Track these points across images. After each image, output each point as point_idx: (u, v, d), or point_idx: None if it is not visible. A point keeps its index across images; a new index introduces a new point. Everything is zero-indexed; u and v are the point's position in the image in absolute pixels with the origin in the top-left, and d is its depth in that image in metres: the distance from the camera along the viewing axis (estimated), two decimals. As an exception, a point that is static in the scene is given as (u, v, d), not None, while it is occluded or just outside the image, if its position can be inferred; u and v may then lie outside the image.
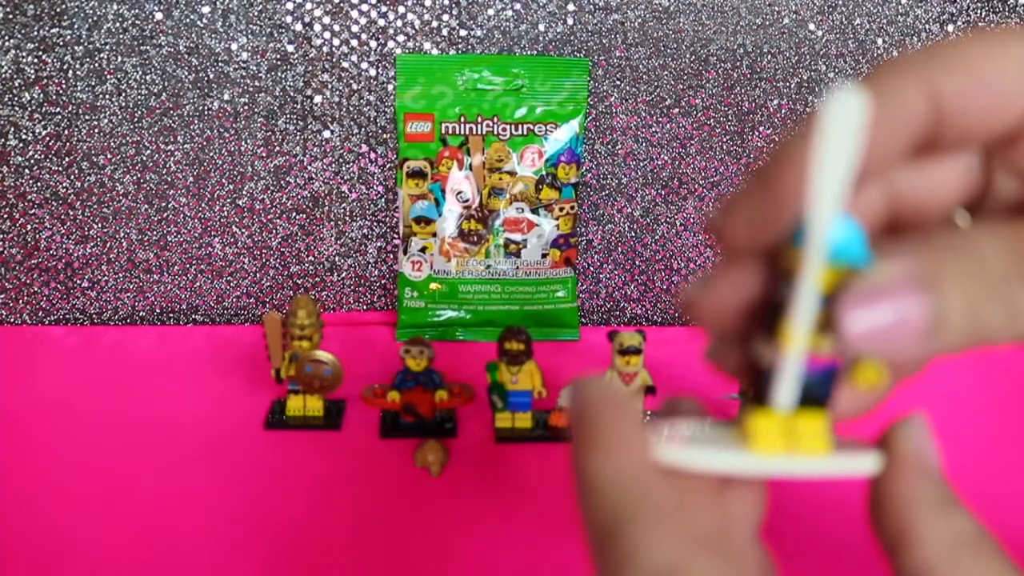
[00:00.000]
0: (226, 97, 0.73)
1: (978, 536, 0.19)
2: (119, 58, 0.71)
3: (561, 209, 0.74)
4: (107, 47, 0.71)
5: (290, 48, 0.73)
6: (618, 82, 0.75)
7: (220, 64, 0.72)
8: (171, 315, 0.78)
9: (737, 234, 0.20)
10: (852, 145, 0.17)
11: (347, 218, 0.77)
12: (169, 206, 0.75)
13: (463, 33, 0.74)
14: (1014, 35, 0.19)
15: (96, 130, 0.73)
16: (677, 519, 0.18)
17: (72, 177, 0.74)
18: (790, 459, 0.20)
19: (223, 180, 0.75)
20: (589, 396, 0.20)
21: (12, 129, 0.72)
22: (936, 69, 0.19)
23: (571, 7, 0.74)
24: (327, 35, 0.72)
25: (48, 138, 0.73)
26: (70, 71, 0.71)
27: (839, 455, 0.20)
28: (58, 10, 0.70)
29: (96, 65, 0.71)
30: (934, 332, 0.18)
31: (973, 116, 0.19)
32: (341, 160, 0.75)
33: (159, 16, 0.71)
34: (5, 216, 0.74)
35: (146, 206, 0.75)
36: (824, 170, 0.17)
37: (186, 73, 0.72)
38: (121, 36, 0.71)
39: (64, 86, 0.72)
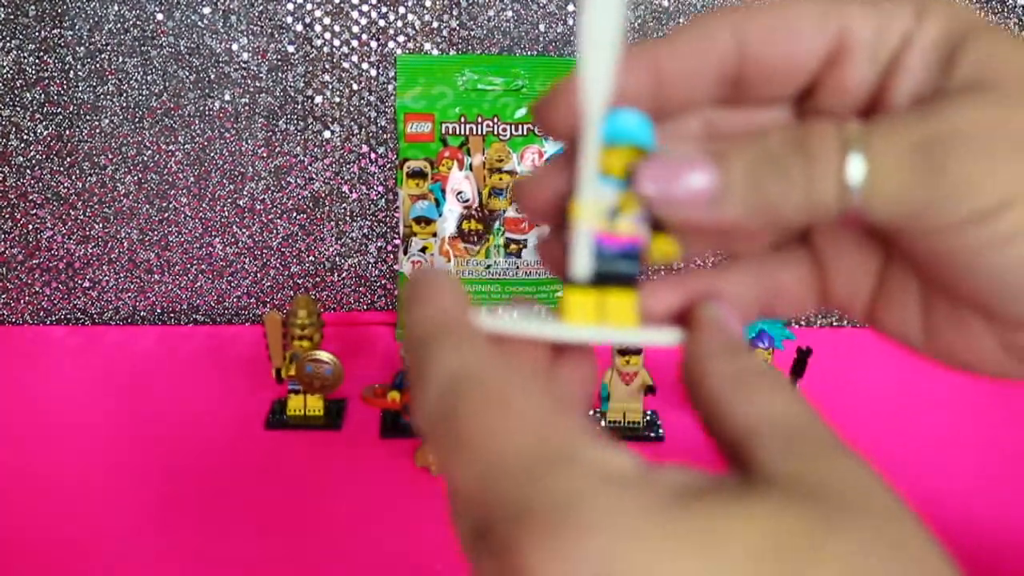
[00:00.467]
0: (227, 97, 0.73)
1: (764, 369, 0.20)
2: (120, 58, 0.72)
3: (561, 209, 0.74)
4: (108, 48, 0.71)
5: (291, 48, 0.73)
6: (618, 82, 0.75)
7: (221, 64, 0.72)
8: (172, 315, 0.78)
9: (548, 128, 0.23)
10: (614, 28, 0.19)
11: (347, 218, 0.77)
12: (170, 206, 0.75)
13: (463, 33, 0.74)
14: None
15: (97, 130, 0.73)
16: (468, 335, 0.20)
17: (73, 177, 0.74)
18: (598, 329, 0.21)
19: (224, 180, 0.75)
20: (418, 272, 0.22)
21: (14, 129, 0.72)
22: (744, 17, 0.21)
23: (571, 7, 0.74)
24: (328, 36, 0.73)
25: (49, 138, 0.73)
26: (71, 71, 0.71)
27: (646, 328, 0.22)
28: (59, 11, 0.70)
29: (97, 66, 0.72)
30: (721, 198, 0.20)
31: (774, 60, 0.22)
32: (342, 160, 0.76)
33: (160, 17, 0.71)
34: (6, 216, 0.74)
35: (147, 206, 0.75)
36: (591, 52, 0.19)
37: (187, 73, 0.72)
38: (122, 37, 0.71)
39: (65, 86, 0.72)
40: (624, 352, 0.56)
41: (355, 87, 0.74)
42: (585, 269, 0.21)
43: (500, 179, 0.74)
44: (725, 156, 0.21)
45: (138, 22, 0.71)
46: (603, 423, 0.60)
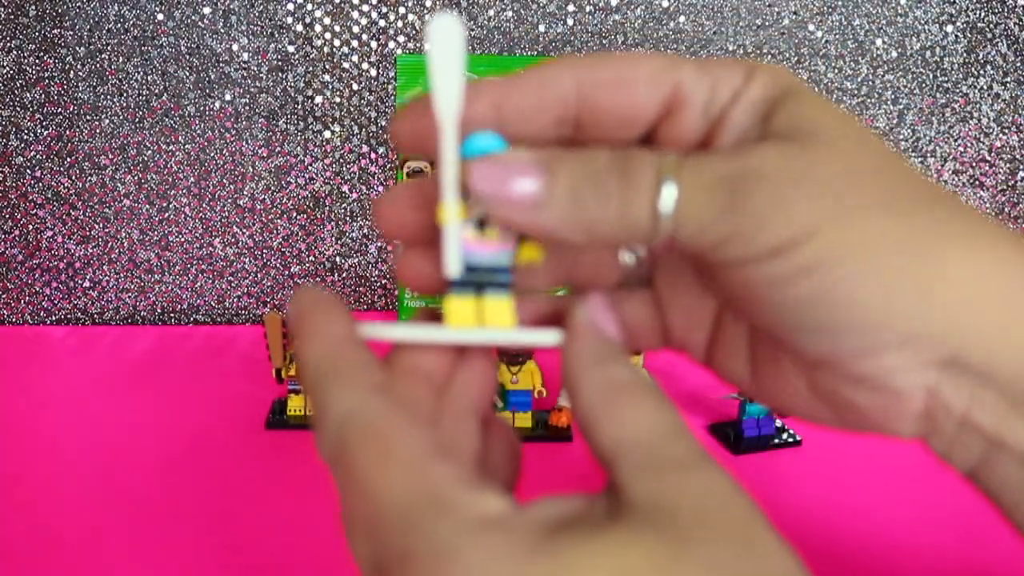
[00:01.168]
0: (227, 97, 0.73)
1: (632, 380, 0.21)
2: (120, 59, 0.72)
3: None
4: (108, 48, 0.71)
5: (291, 49, 0.73)
6: (618, 82, 0.75)
7: (221, 65, 0.72)
8: (172, 315, 0.78)
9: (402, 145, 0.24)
10: (457, 58, 0.21)
11: (347, 218, 0.77)
12: (170, 206, 0.75)
13: (464, 34, 0.74)
14: (652, 57, 0.23)
15: (97, 130, 0.73)
16: (356, 376, 0.21)
17: (73, 177, 0.74)
18: (479, 331, 0.23)
19: (224, 180, 0.75)
20: (301, 298, 0.23)
21: (14, 129, 0.72)
22: (586, 66, 0.23)
23: (571, 7, 0.74)
24: (328, 36, 0.73)
25: (50, 138, 0.73)
26: (72, 72, 0.71)
27: (524, 329, 0.24)
28: (59, 11, 0.70)
29: (97, 66, 0.72)
30: (544, 205, 0.22)
31: (612, 108, 0.23)
32: (342, 160, 0.76)
33: (160, 17, 0.71)
34: (7, 216, 0.74)
35: (147, 206, 0.75)
36: (439, 75, 0.21)
37: (187, 74, 0.72)
38: (122, 37, 0.71)
39: (66, 86, 0.72)
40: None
41: (355, 87, 0.74)
42: (456, 268, 0.23)
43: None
44: (553, 167, 0.22)
45: (138, 22, 0.71)
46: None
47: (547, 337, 0.23)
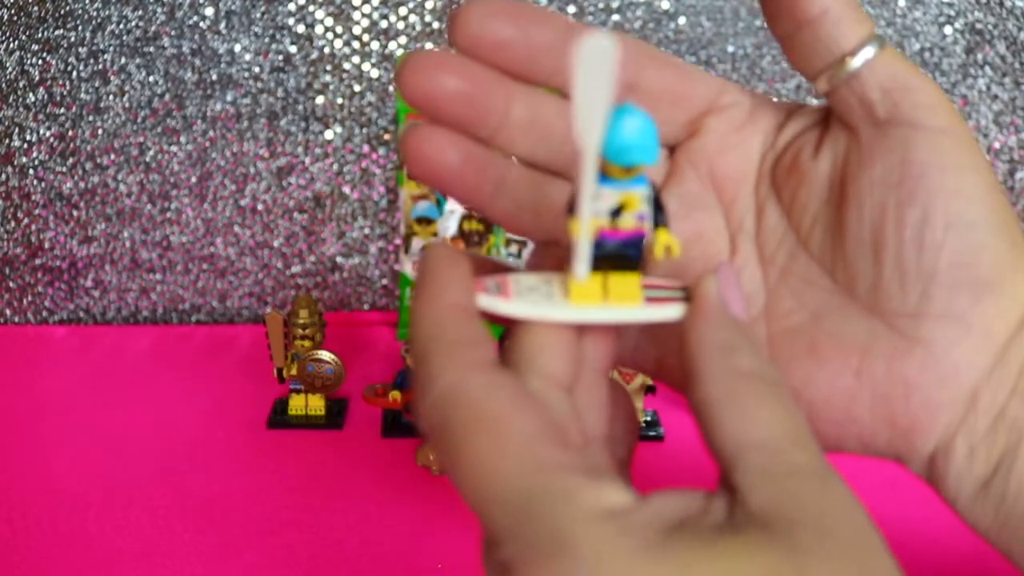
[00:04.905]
0: (229, 98, 0.73)
1: (760, 371, 0.20)
2: (123, 59, 0.72)
3: (561, 210, 0.75)
4: (111, 49, 0.72)
5: (292, 50, 0.73)
6: (618, 83, 0.76)
7: (223, 65, 0.73)
8: (174, 315, 0.78)
9: None
10: (607, 83, 0.19)
11: (349, 218, 0.77)
12: (172, 206, 0.76)
13: (464, 35, 0.74)
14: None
15: (100, 131, 0.73)
16: (463, 352, 0.20)
17: (76, 178, 0.74)
18: (601, 309, 0.22)
19: (226, 181, 0.75)
20: (431, 254, 0.22)
21: (17, 130, 0.73)
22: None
23: (571, 8, 0.74)
24: (329, 36, 0.73)
25: (52, 139, 0.73)
26: (74, 72, 0.72)
27: (647, 306, 0.23)
28: (62, 12, 0.70)
29: (100, 66, 0.72)
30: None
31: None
32: (343, 161, 0.76)
33: (162, 18, 0.71)
34: (9, 216, 0.75)
35: (149, 206, 0.76)
36: (586, 105, 0.19)
37: (189, 74, 0.73)
38: (125, 38, 0.72)
39: (68, 87, 0.72)
40: None
41: (357, 88, 0.74)
42: (584, 272, 0.22)
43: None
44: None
45: (140, 23, 0.71)
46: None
47: (669, 312, 0.22)
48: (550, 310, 0.22)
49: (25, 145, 0.73)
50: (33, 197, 0.74)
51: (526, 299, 0.22)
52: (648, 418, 0.61)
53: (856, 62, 0.24)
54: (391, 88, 0.74)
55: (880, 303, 0.24)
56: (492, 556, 0.19)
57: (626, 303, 0.22)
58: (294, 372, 0.59)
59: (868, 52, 0.24)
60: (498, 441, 0.18)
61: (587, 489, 0.18)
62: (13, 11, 0.70)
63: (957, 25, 0.76)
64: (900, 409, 0.24)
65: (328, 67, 0.73)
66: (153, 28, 0.71)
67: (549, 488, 0.18)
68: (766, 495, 0.18)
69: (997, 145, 0.79)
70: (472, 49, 0.24)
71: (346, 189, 0.77)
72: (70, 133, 0.73)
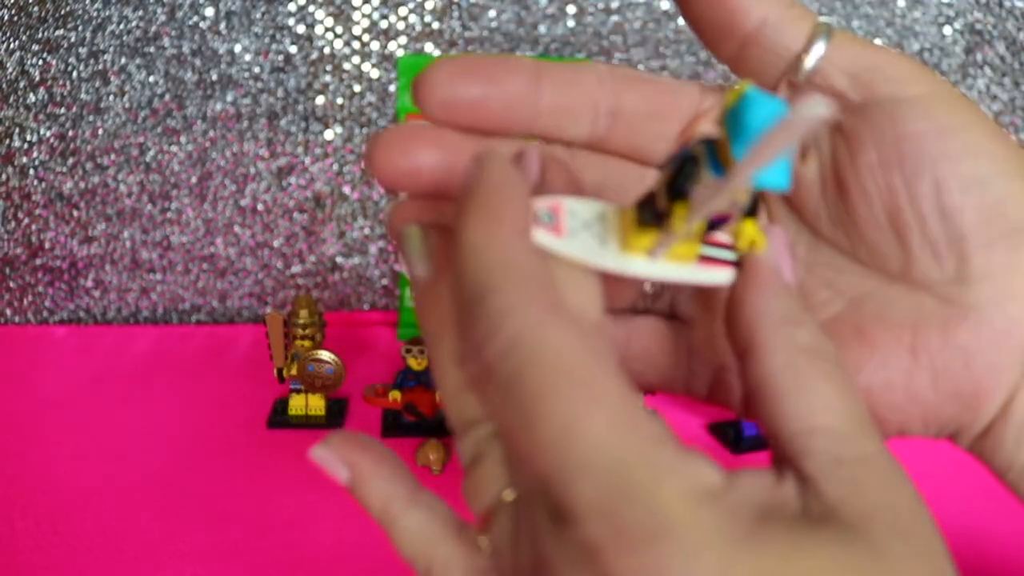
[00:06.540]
0: (229, 98, 0.73)
1: (820, 348, 0.20)
2: (123, 60, 0.72)
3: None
4: (111, 49, 0.72)
5: (293, 50, 0.73)
6: (618, 84, 0.76)
7: (223, 66, 0.73)
8: (174, 315, 0.78)
9: None
10: (804, 131, 0.18)
11: (349, 218, 0.77)
12: (172, 207, 0.76)
13: (464, 35, 0.74)
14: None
15: (100, 131, 0.73)
16: (539, 293, 0.18)
17: (76, 178, 0.74)
18: (651, 264, 0.21)
19: (226, 181, 0.75)
20: (489, 167, 0.19)
21: (17, 130, 0.73)
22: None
23: (571, 9, 0.74)
24: (329, 37, 0.73)
25: (53, 139, 0.73)
26: (74, 72, 0.72)
27: (698, 267, 0.21)
28: (63, 12, 0.70)
29: (100, 67, 0.72)
30: None
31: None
32: (343, 161, 0.76)
33: (163, 18, 0.71)
34: (10, 216, 0.75)
35: (149, 206, 0.76)
36: (767, 161, 0.17)
37: (189, 75, 0.73)
38: (125, 38, 0.72)
39: (69, 87, 0.72)
40: None
41: (357, 88, 0.74)
42: (663, 254, 0.21)
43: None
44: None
45: (141, 23, 0.71)
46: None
47: (719, 276, 0.21)
48: (604, 257, 0.20)
49: (25, 145, 0.73)
50: (33, 197, 0.74)
51: (580, 238, 0.20)
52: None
53: (811, 59, 0.23)
54: (391, 88, 0.74)
55: (918, 277, 0.23)
56: (564, 534, 0.17)
57: (679, 260, 0.21)
58: (294, 372, 0.59)
59: (819, 46, 0.23)
60: (591, 401, 0.16)
61: (685, 465, 0.17)
62: (13, 11, 0.70)
63: (956, 25, 0.76)
64: (963, 376, 0.23)
65: (328, 67, 0.74)
66: (153, 28, 0.72)
67: (647, 461, 0.16)
68: (841, 489, 0.17)
69: (997, 145, 0.79)
70: (444, 114, 0.23)
71: (346, 189, 0.77)
72: (70, 133, 0.73)
